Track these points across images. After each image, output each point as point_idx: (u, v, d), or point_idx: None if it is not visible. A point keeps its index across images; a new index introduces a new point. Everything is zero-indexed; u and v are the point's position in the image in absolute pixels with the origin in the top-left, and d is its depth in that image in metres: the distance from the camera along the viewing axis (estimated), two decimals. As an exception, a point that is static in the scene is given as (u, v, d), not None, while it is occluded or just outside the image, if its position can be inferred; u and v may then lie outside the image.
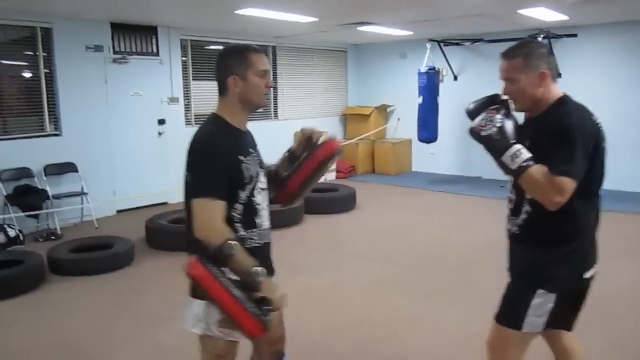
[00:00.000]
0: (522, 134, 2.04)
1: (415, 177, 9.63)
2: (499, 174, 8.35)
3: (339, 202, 7.12)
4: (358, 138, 9.63)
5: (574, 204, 1.93)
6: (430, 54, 8.75)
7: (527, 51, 2.05)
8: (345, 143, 9.42)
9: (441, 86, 8.95)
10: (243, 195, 1.91)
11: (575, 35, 7.93)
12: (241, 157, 1.91)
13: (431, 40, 8.83)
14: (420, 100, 8.72)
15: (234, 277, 1.77)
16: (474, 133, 2.04)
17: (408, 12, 6.60)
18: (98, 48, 6.72)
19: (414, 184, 8.93)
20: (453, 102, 9.15)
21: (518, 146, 1.94)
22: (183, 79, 7.72)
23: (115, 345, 3.49)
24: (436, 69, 8.71)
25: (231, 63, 1.92)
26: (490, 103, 2.16)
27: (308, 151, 2.14)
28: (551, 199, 1.89)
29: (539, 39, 7.63)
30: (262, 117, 8.86)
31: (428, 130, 8.72)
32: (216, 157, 1.85)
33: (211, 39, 8.09)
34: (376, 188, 8.73)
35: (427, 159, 9.86)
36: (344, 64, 10.43)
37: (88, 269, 4.75)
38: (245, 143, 2.00)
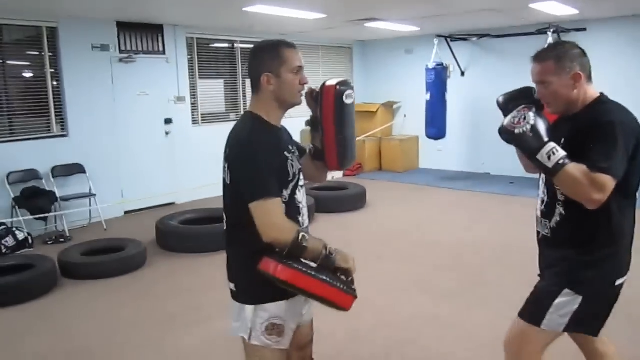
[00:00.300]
0: (557, 132, 1.99)
1: (423, 174, 9.56)
2: (508, 170, 8.38)
3: (349, 200, 7.04)
4: (365, 136, 9.54)
5: (610, 206, 1.89)
6: (437, 49, 8.67)
7: (558, 53, 2.00)
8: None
9: (448, 82, 8.85)
10: (286, 193, 1.85)
11: (584, 30, 7.84)
12: (286, 154, 1.87)
13: (438, 35, 8.75)
14: (428, 96, 8.64)
15: (313, 264, 1.77)
16: (507, 131, 1.99)
17: (419, 7, 6.51)
18: (104, 47, 6.63)
19: (422, 181, 8.86)
20: (461, 98, 9.10)
21: (553, 144, 1.89)
22: (189, 78, 7.64)
23: (133, 351, 3.42)
24: (444, 65, 8.62)
25: (264, 59, 1.85)
26: (521, 97, 2.13)
27: (319, 107, 2.09)
28: (591, 196, 1.83)
29: (549, 33, 7.57)
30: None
31: (437, 127, 8.64)
32: (265, 155, 1.78)
33: (217, 36, 8.00)
34: (385, 185, 8.66)
35: (434, 155, 9.78)
36: (350, 60, 10.34)
37: (100, 273, 4.67)
38: (286, 139, 1.95)
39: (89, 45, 6.51)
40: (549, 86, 2.00)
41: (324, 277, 1.74)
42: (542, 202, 2.14)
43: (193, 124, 7.73)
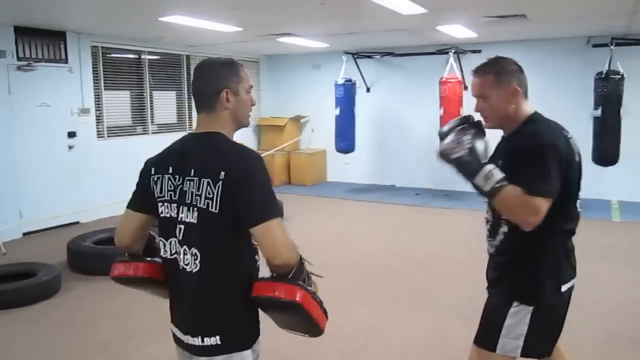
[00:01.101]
0: (498, 152, 2.05)
1: (332, 187, 9.75)
2: (413, 182, 8.78)
3: (267, 214, 6.98)
4: (275, 149, 9.55)
5: (550, 221, 1.89)
6: (345, 65, 8.93)
7: (499, 68, 2.05)
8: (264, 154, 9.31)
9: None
10: None
11: (479, 51, 8.49)
12: None
13: (346, 52, 9.02)
14: (337, 111, 8.85)
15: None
16: (444, 156, 1.99)
17: (334, 24, 6.68)
18: (0, 54, 6.05)
19: (332, 194, 9.02)
20: (366, 113, 9.41)
21: (490, 166, 1.90)
22: (94, 89, 7.18)
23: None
24: (352, 81, 8.89)
25: (223, 75, 1.71)
26: (462, 124, 2.10)
27: None
28: (526, 219, 1.86)
29: (450, 53, 8.11)
30: (176, 129, 8.51)
31: (346, 141, 8.87)
32: (268, 174, 1.66)
33: (124, 46, 7.61)
34: (296, 199, 8.70)
35: (342, 169, 10.01)
36: (257, 74, 10.32)
37: (12, 302, 4.22)
38: None
39: (-19, 51, 5.92)
40: (488, 100, 2.04)
41: (317, 297, 1.63)
42: (487, 221, 2.16)
43: (98, 137, 7.27)
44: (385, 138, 9.56)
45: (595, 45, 7.57)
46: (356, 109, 9.01)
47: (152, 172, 1.74)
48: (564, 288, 2.03)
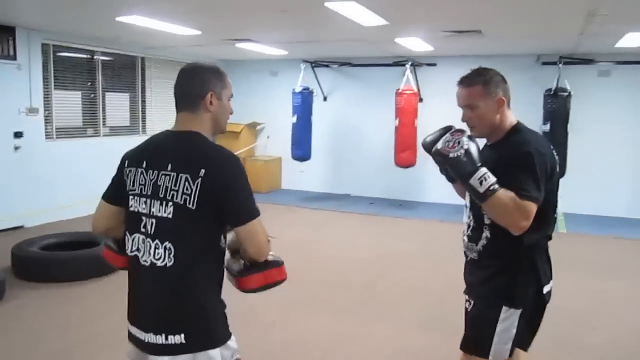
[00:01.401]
0: (482, 159, 2.06)
1: (287, 194, 9.72)
2: (367, 191, 8.92)
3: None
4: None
5: (533, 226, 1.96)
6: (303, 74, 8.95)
7: (485, 79, 2.10)
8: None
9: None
10: None
11: (435, 65, 8.70)
12: None
13: (305, 60, 9.04)
14: (294, 119, 8.84)
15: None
16: (441, 155, 2.02)
17: (295, 32, 6.69)
18: (-58, 47, 5.75)
19: (287, 201, 9.00)
20: (323, 122, 9.44)
21: (485, 169, 1.95)
22: (44, 88, 6.90)
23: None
24: (310, 89, 8.92)
25: (210, 78, 1.77)
26: (446, 133, 2.14)
27: None
28: (518, 223, 1.92)
29: (407, 65, 8.26)
30: (129, 132, 8.29)
31: (302, 148, 8.87)
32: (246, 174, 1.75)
33: (77, 45, 7.34)
34: (251, 206, 8.61)
35: (297, 176, 9.97)
36: (214, 79, 10.16)
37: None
38: None
39: None
40: (476, 110, 2.10)
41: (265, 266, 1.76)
42: (469, 227, 2.20)
43: (47, 138, 6.97)
44: (340, 147, 9.62)
45: (544, 63, 7.89)
46: (313, 118, 9.05)
47: (126, 165, 1.77)
48: (545, 290, 2.12)
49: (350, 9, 4.98)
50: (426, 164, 7.68)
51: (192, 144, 1.71)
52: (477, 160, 1.97)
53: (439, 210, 8.16)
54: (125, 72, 8.30)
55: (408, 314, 4.22)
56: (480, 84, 2.09)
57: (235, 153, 7.11)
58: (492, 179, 1.93)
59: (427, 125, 2.26)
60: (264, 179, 9.71)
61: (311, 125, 8.95)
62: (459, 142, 2.00)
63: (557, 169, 2.11)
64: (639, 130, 7.85)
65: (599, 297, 4.75)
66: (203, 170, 1.61)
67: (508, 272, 2.08)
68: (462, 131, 2.07)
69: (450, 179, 2.31)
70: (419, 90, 8.39)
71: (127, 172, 1.74)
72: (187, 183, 1.61)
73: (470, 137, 2.06)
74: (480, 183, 1.93)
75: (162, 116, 8.81)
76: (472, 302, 2.20)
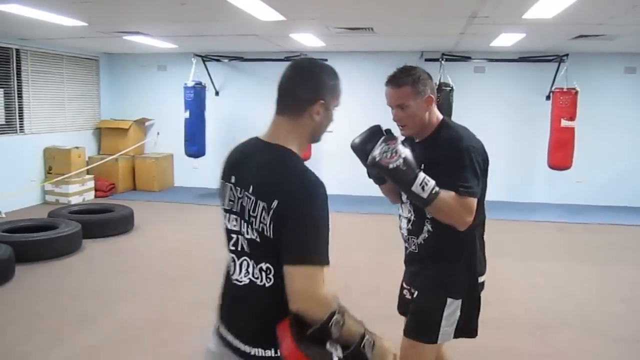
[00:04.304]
0: (415, 158, 2.07)
1: (181, 192, 9.45)
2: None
3: (117, 223, 6.56)
4: (118, 154, 8.99)
5: (473, 219, 2.04)
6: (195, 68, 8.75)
7: (413, 78, 2.10)
8: (103, 161, 8.75)
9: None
10: None
11: (326, 60, 8.83)
12: None
13: (196, 55, 8.83)
14: (187, 114, 8.62)
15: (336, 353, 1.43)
16: (381, 167, 2.00)
17: (189, 25, 6.52)
18: None
19: (182, 199, 8.77)
20: (215, 117, 9.29)
21: (423, 174, 1.97)
22: None
23: None
24: (202, 84, 8.73)
25: (325, 83, 1.58)
26: (375, 134, 2.16)
27: None
28: (464, 220, 1.99)
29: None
30: (4, 131, 7.59)
31: (197, 145, 8.68)
32: (327, 211, 1.49)
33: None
34: (145, 205, 8.27)
35: (190, 173, 9.75)
36: (96, 73, 9.57)
37: None
38: None
39: None
40: (407, 109, 2.10)
41: None
42: (409, 221, 2.24)
43: None
44: (234, 142, 9.42)
45: (427, 60, 8.37)
46: (206, 113, 8.87)
47: (221, 176, 1.68)
48: (480, 280, 2.23)
49: (250, 3, 4.97)
50: (321, 157, 7.89)
51: (278, 165, 1.54)
52: (415, 167, 1.99)
53: (333, 201, 8.36)
54: (-3, 65, 7.57)
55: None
56: (409, 84, 2.09)
57: (124, 151, 6.84)
58: (432, 182, 1.97)
59: (379, 123, 2.27)
60: (155, 178, 9.37)
61: (204, 120, 8.78)
62: (396, 152, 1.99)
63: (488, 161, 2.16)
64: (515, 121, 8.66)
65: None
66: (276, 202, 1.45)
67: (448, 264, 2.16)
68: (394, 138, 2.08)
69: (379, 181, 2.36)
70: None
71: (221, 184, 1.66)
72: (263, 212, 1.47)
73: (403, 143, 2.08)
74: (423, 189, 1.96)
75: (40, 113, 8.17)
76: (417, 292, 2.27)
